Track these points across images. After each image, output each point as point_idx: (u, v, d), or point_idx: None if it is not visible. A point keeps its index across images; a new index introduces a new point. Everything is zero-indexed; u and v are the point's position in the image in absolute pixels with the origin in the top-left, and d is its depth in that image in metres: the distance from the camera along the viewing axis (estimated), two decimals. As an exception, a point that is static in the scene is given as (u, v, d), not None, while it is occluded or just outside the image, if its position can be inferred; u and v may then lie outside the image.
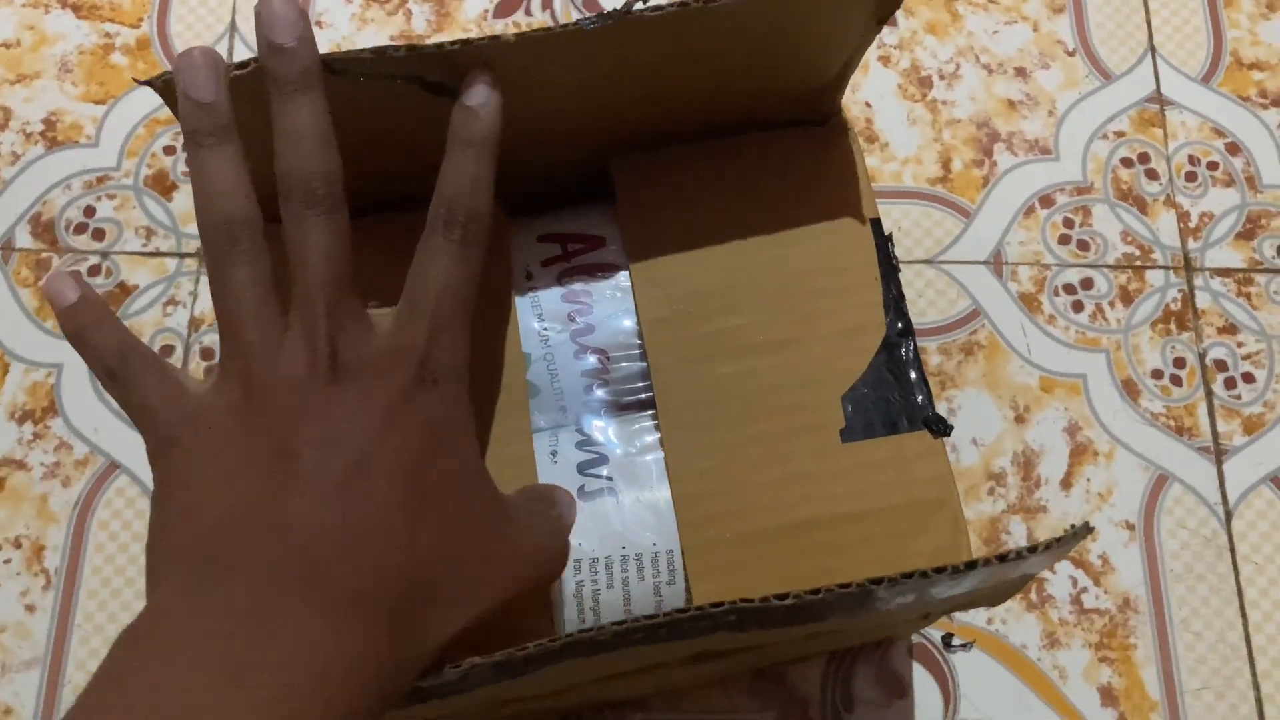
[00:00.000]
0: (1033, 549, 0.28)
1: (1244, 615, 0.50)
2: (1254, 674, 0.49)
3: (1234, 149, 0.58)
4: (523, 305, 0.38)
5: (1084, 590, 0.50)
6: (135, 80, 0.38)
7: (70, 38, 0.59)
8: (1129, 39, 0.60)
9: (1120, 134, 0.58)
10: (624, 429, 0.38)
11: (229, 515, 0.26)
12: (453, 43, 0.31)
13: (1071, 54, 0.60)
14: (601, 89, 0.35)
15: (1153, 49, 0.60)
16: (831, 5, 0.34)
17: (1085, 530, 0.29)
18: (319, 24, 0.59)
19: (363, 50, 0.31)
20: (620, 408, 0.38)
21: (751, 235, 0.38)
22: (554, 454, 0.37)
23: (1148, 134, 0.58)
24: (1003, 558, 0.28)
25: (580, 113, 0.36)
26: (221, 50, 0.58)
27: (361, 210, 0.33)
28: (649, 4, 0.31)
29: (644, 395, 0.38)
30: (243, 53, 0.59)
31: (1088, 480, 0.52)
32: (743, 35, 0.34)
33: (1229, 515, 0.52)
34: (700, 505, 0.36)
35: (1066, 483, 0.52)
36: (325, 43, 0.59)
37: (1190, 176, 0.57)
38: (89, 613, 0.49)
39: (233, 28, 0.59)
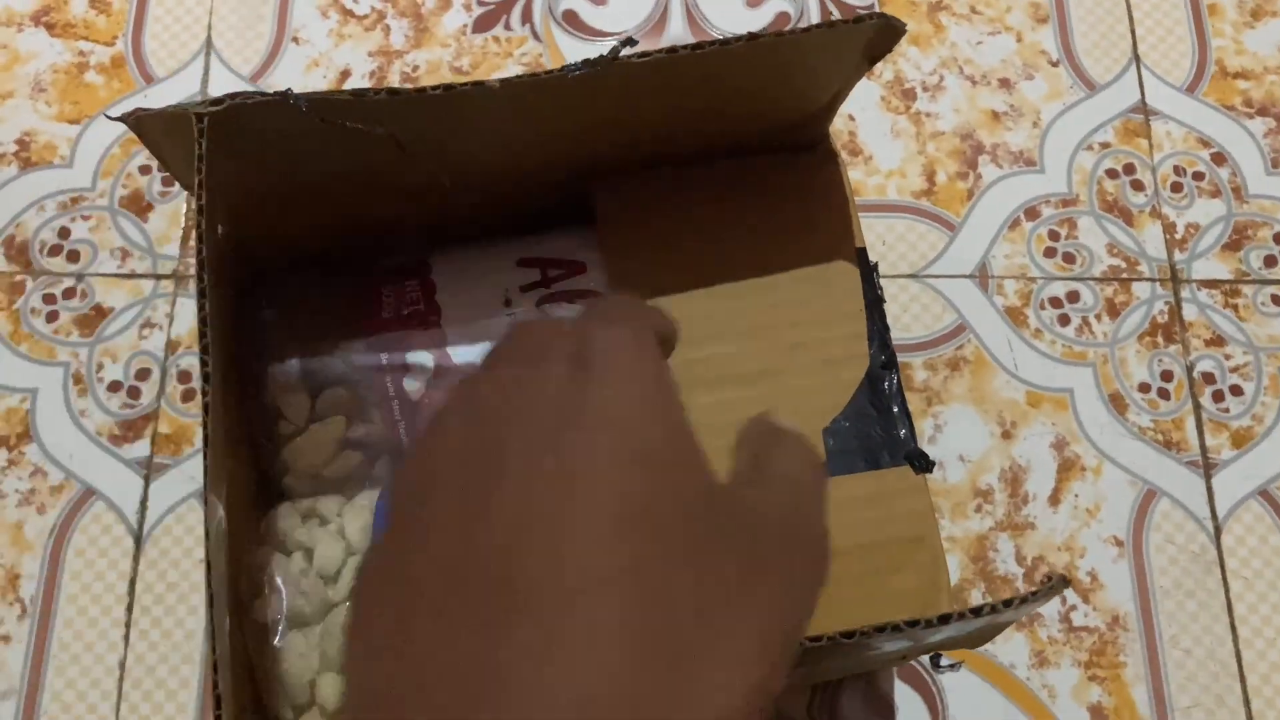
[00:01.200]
0: (1008, 603, 0.28)
1: (1234, 631, 0.50)
2: (1244, 690, 0.49)
3: (1220, 159, 0.57)
4: (500, 331, 0.38)
5: (1073, 608, 0.50)
6: (107, 116, 0.37)
7: (44, 56, 0.58)
8: (1113, 49, 0.60)
9: (1105, 145, 0.58)
10: None
11: None
12: (435, 88, 0.30)
13: (1055, 65, 0.59)
14: (585, 122, 0.34)
15: (1137, 59, 0.59)
16: (819, 53, 0.33)
17: (1062, 584, 0.28)
18: (295, 40, 0.59)
19: (343, 92, 0.30)
20: None
21: (735, 266, 0.38)
22: None
23: (1133, 144, 0.58)
24: (977, 611, 0.27)
25: (562, 141, 0.36)
26: (196, 68, 0.58)
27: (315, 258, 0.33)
28: (635, 49, 0.31)
29: None
30: (217, 68, 0.58)
31: (1076, 496, 0.52)
32: (731, 77, 0.33)
33: (1218, 530, 0.51)
34: None
35: (1054, 499, 0.52)
36: (302, 59, 0.58)
37: (1176, 187, 0.57)
38: (65, 642, 0.48)
39: (208, 45, 0.58)
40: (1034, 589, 0.28)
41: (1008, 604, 0.28)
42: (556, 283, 0.38)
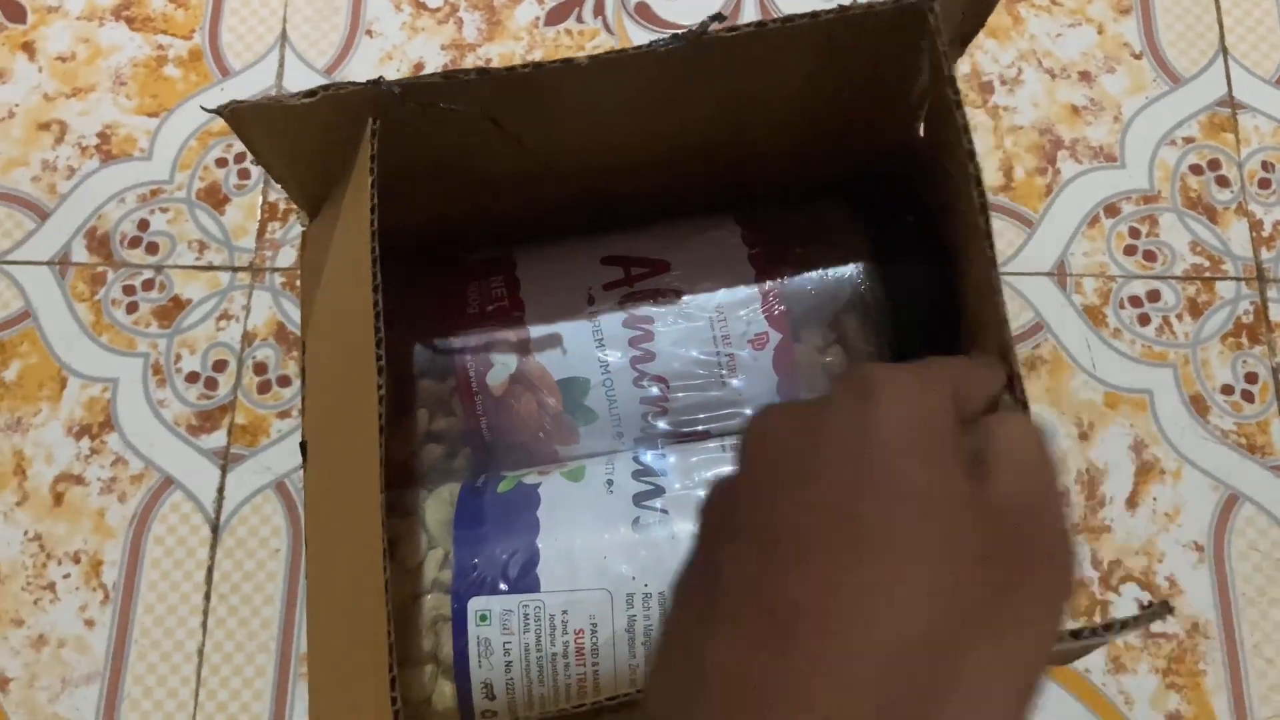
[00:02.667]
0: (1109, 626, 0.27)
1: (1319, 641, 0.48)
2: (1329, 703, 0.47)
3: (1309, 155, 0.56)
4: (582, 329, 0.38)
5: (1151, 614, 0.49)
6: (204, 109, 0.38)
7: (124, 50, 0.59)
8: (1199, 40, 0.58)
9: (1189, 140, 0.56)
10: (682, 460, 0.37)
11: None
12: (524, 65, 0.30)
13: (1138, 57, 0.58)
14: (674, 106, 0.34)
15: (1224, 50, 0.58)
16: (912, 28, 0.33)
17: (1164, 609, 0.27)
18: (369, 33, 0.59)
19: (433, 75, 0.30)
20: (679, 438, 0.37)
21: None
22: (610, 483, 0.37)
23: (1218, 139, 0.56)
24: (1076, 634, 0.27)
25: (650, 125, 0.35)
26: (271, 61, 0.58)
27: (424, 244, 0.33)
28: (724, 24, 0.30)
29: (704, 426, 0.37)
30: (292, 61, 0.58)
31: (1154, 500, 0.51)
32: (820, 58, 0.33)
33: (1303, 537, 0.50)
34: None
35: (1132, 502, 0.51)
36: (376, 52, 0.58)
37: (1264, 184, 0.55)
38: (145, 628, 0.49)
39: (283, 37, 0.59)
40: (1136, 614, 0.27)
41: (1108, 628, 0.27)
42: (640, 281, 0.38)
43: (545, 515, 0.36)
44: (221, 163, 0.57)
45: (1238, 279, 0.54)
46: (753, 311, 0.38)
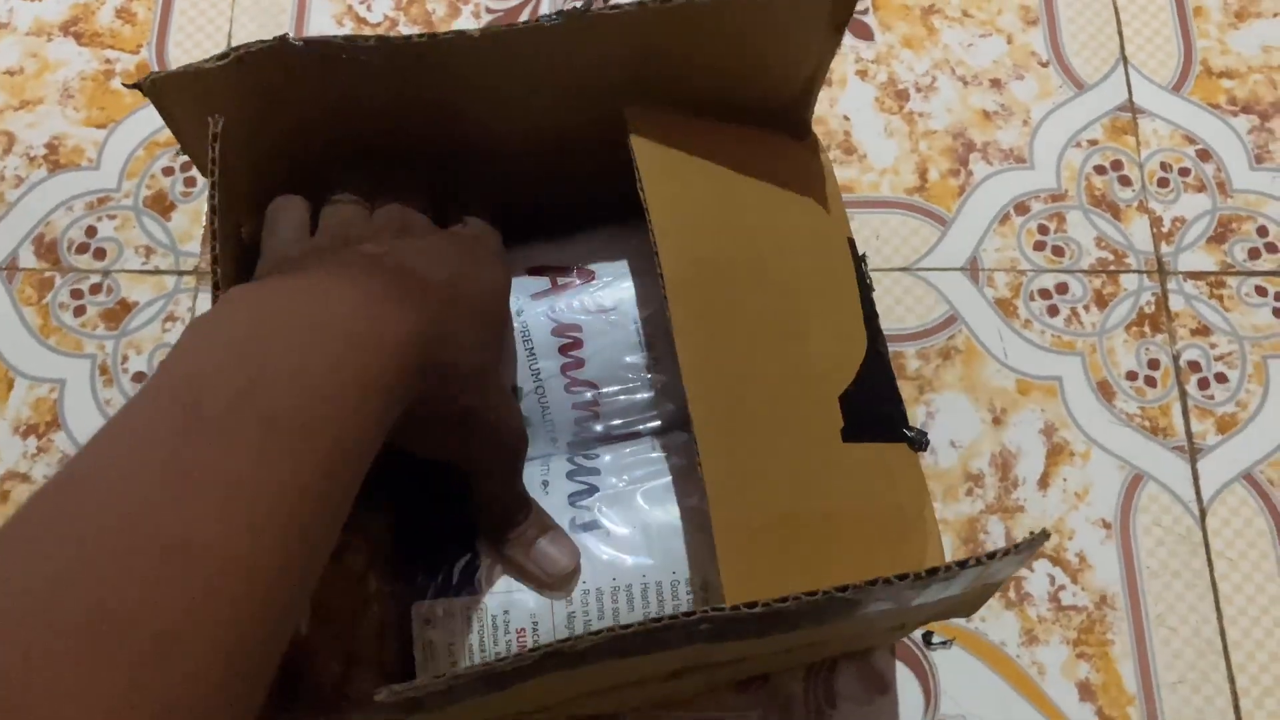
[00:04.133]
0: (992, 555, 0.29)
1: (1219, 610, 0.51)
2: (1229, 667, 0.50)
3: (1205, 155, 0.59)
4: (513, 339, 0.39)
5: (1062, 588, 0.51)
6: (125, 85, 0.40)
7: (72, 64, 0.60)
8: (1101, 49, 0.61)
9: (1093, 142, 0.59)
10: (616, 461, 0.38)
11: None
12: (420, 36, 0.32)
13: (1045, 65, 0.61)
14: (571, 83, 0.36)
15: (1124, 59, 0.61)
16: (787, 9, 0.35)
17: (1043, 537, 0.29)
18: (312, 47, 0.61)
19: (335, 37, 0.32)
20: (613, 439, 0.39)
21: (758, 213, 0.39)
22: (545, 484, 0.38)
23: (1120, 142, 0.59)
24: (962, 564, 0.29)
25: (556, 102, 0.37)
26: (218, 74, 0.60)
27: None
28: (609, 3, 0.33)
29: (637, 427, 0.39)
30: (238, 76, 0.60)
31: (1064, 480, 0.53)
32: (702, 38, 0.35)
33: (1203, 513, 0.53)
34: (732, 489, 0.34)
35: (1044, 482, 0.53)
36: (318, 65, 0.60)
37: (1162, 183, 0.59)
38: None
39: (229, 52, 0.61)
40: (1017, 543, 0.29)
41: (991, 556, 0.29)
42: (566, 291, 0.39)
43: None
44: (168, 171, 0.59)
45: (1140, 272, 0.57)
46: None
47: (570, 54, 0.34)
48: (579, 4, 0.33)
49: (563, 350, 0.39)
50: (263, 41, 0.32)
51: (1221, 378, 0.55)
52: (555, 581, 0.36)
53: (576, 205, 0.41)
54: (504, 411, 0.35)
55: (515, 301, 0.39)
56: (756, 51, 0.36)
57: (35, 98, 0.60)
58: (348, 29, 0.61)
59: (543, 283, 0.40)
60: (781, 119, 0.41)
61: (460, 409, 0.32)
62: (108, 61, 0.61)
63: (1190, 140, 0.59)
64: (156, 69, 0.60)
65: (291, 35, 0.33)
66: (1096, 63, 0.61)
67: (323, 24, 0.61)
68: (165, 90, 0.32)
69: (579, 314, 0.39)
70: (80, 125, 0.59)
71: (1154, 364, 0.55)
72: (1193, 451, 0.54)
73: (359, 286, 0.30)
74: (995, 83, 0.61)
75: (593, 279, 0.40)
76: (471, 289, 0.34)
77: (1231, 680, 0.50)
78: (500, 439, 0.35)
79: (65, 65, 0.60)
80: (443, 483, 0.36)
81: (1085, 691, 0.50)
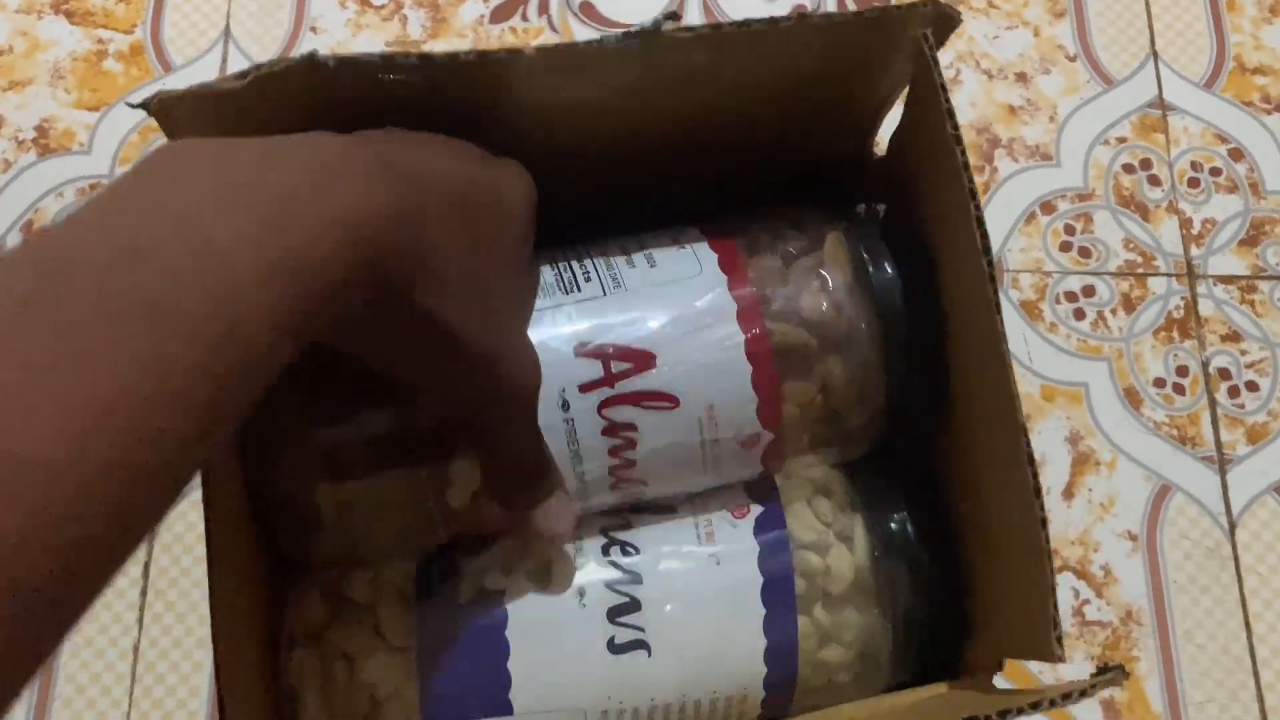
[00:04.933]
0: (1066, 696, 0.27)
1: (1248, 627, 0.49)
2: (1258, 686, 0.48)
3: (1237, 155, 0.57)
4: (556, 440, 0.33)
5: (1086, 602, 0.50)
6: (129, 104, 0.37)
7: (63, 44, 0.58)
8: (1131, 44, 0.59)
9: (1122, 140, 0.57)
10: (653, 552, 0.35)
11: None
12: (468, 53, 0.30)
13: (1073, 59, 0.59)
14: (623, 109, 0.33)
15: (1155, 54, 0.59)
16: (871, 40, 0.32)
17: (1121, 674, 0.28)
18: (313, 29, 0.59)
19: (371, 54, 0.30)
20: (647, 509, 0.36)
21: None
22: (581, 594, 0.34)
23: (1150, 140, 0.58)
24: (1035, 705, 0.28)
25: (601, 134, 0.34)
26: (214, 56, 0.58)
27: None
28: (680, 24, 0.30)
29: (674, 501, 0.36)
30: (235, 57, 0.58)
31: (1089, 490, 0.51)
32: (778, 63, 0.32)
33: (1233, 526, 0.51)
34: None
35: (1068, 493, 0.51)
36: (320, 48, 0.58)
37: (1193, 183, 0.57)
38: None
39: (226, 33, 0.59)
40: (1093, 681, 0.27)
41: (1066, 698, 0.27)
42: (621, 380, 0.33)
43: (514, 636, 0.34)
44: (162, 157, 0.56)
45: (1169, 275, 0.55)
46: (748, 414, 0.33)
47: (629, 72, 0.31)
48: (649, 24, 0.30)
49: (613, 452, 0.34)
50: (289, 59, 0.30)
51: (1252, 386, 0.53)
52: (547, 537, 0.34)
53: (614, 214, 0.37)
54: (494, 341, 0.29)
55: (561, 395, 0.33)
56: (835, 76, 0.33)
57: (25, 78, 0.57)
58: (351, 11, 0.59)
59: (595, 369, 0.33)
60: (844, 143, 0.38)
61: (421, 312, 0.27)
62: (100, 41, 0.58)
63: (1222, 139, 0.58)
64: (152, 50, 0.58)
65: (320, 52, 0.30)
66: (1126, 57, 0.59)
67: (325, 5, 0.59)
68: (175, 111, 0.29)
69: (635, 410, 0.33)
70: (71, 107, 0.57)
71: (1183, 370, 0.53)
72: (1222, 462, 0.52)
73: (300, 155, 0.25)
74: (1021, 76, 0.59)
75: (653, 365, 0.33)
76: (457, 174, 0.29)
77: (1260, 700, 0.48)
78: (496, 372, 0.29)
79: (56, 45, 0.58)
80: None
81: (1109, 710, 0.48)
